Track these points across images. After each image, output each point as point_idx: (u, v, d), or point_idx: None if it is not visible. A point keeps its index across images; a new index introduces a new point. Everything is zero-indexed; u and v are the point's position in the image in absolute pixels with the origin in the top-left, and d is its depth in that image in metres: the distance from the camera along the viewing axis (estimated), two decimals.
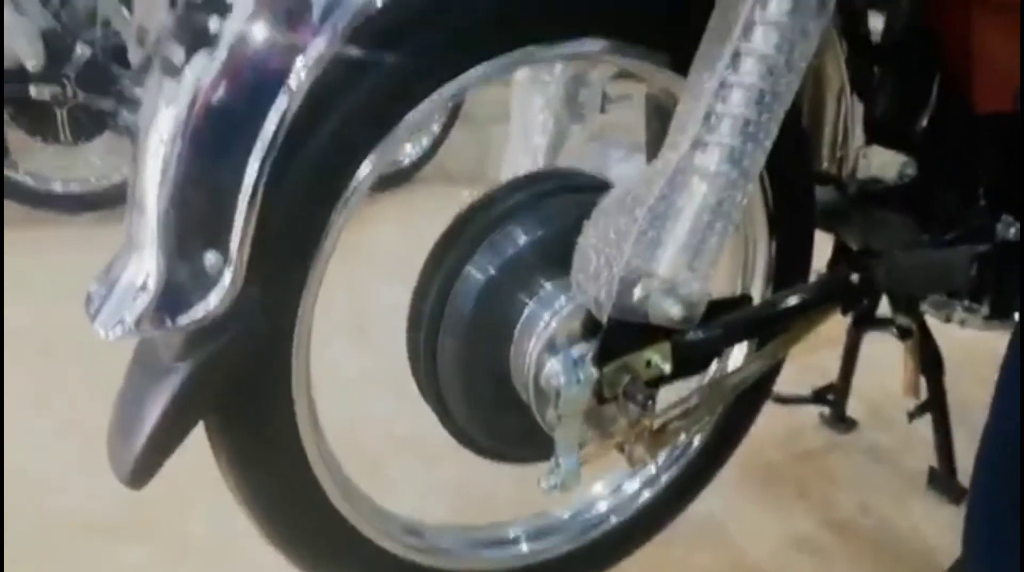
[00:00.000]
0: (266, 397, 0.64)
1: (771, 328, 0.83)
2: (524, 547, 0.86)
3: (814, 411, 1.29)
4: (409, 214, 2.23)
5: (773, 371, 0.95)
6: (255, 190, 0.54)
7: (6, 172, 2.17)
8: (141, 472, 0.58)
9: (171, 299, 0.54)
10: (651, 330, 0.70)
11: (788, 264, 0.90)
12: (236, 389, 0.61)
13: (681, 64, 0.69)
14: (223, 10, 0.53)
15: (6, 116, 2.13)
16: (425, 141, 2.44)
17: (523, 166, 0.87)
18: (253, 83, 0.54)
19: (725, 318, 0.76)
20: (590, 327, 0.71)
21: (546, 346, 0.71)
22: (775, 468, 1.21)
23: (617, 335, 0.70)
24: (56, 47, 2.07)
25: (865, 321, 1.10)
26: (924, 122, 0.91)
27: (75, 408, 1.28)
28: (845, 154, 0.88)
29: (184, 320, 0.54)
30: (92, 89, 2.11)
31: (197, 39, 0.52)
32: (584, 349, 0.70)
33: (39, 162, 2.24)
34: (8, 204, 2.21)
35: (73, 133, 2.17)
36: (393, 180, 2.36)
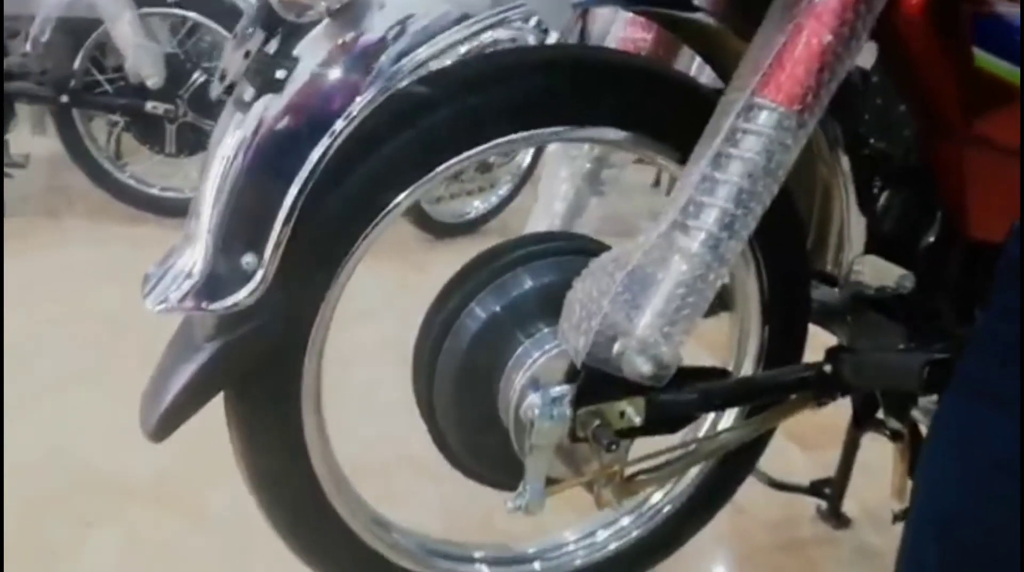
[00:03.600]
0: (277, 384, 0.74)
1: (745, 402, 0.89)
2: (483, 569, 0.93)
3: (812, 503, 1.32)
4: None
5: (754, 452, 1.01)
6: (292, 209, 0.66)
7: (115, 174, 2.42)
8: (163, 428, 0.69)
9: (210, 287, 0.66)
10: (628, 384, 0.78)
11: (779, 351, 0.96)
12: (253, 371, 0.72)
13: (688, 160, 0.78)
14: (289, 63, 0.65)
15: (121, 123, 2.37)
16: (494, 198, 2.59)
17: (542, 227, 0.97)
18: (308, 121, 0.66)
19: (700, 385, 0.83)
20: (573, 372, 0.80)
21: (530, 381, 0.79)
22: (761, 550, 1.25)
23: (595, 383, 0.78)
24: (176, 71, 2.31)
25: (863, 421, 1.14)
26: (926, 242, 0.97)
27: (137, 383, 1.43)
28: (843, 260, 0.95)
29: (217, 305, 0.65)
30: (201, 111, 2.34)
31: (265, 83, 0.65)
32: (564, 390, 0.79)
33: (145, 168, 2.48)
34: (112, 202, 2.45)
35: (178, 146, 2.40)
36: (458, 229, 2.50)
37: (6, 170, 2.36)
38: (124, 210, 2.44)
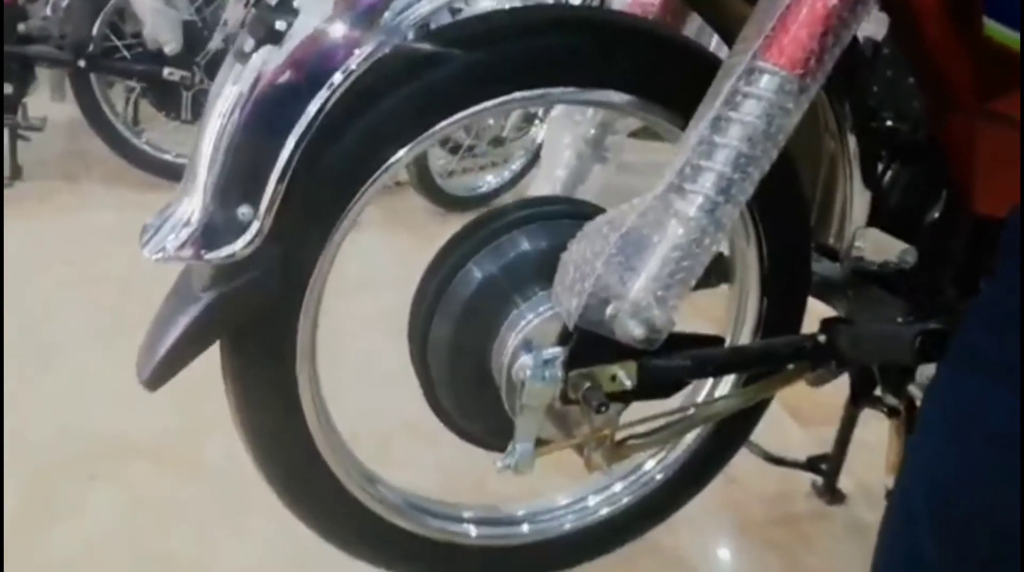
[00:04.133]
0: (272, 337, 0.75)
1: (738, 370, 0.89)
2: (471, 529, 0.94)
3: (808, 478, 1.32)
4: None
5: (748, 422, 1.01)
6: (289, 162, 0.66)
7: (131, 140, 2.44)
8: (157, 377, 0.70)
9: (206, 237, 0.66)
10: (620, 348, 0.78)
11: (777, 323, 0.96)
12: (248, 323, 0.72)
13: None
14: (290, 13, 0.65)
15: (138, 89, 2.39)
16: (507, 173, 2.59)
17: (543, 193, 0.97)
18: (307, 73, 0.66)
19: (693, 351, 0.83)
20: (566, 335, 0.80)
21: (523, 342, 0.80)
22: (755, 521, 1.25)
23: (588, 346, 0.78)
24: (193, 38, 2.32)
25: (860, 398, 1.14)
26: (931, 217, 0.96)
27: None
28: (845, 233, 0.95)
29: (213, 255, 0.66)
30: None
31: (266, 34, 0.65)
32: (556, 352, 0.79)
33: (161, 134, 2.49)
34: (130, 168, 2.47)
35: (194, 113, 2.42)
36: (470, 203, 2.50)
37: (23, 133, 2.38)
38: (141, 176, 2.46)
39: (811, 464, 1.28)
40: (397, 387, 1.36)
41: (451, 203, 2.45)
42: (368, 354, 1.55)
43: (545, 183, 0.97)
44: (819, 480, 1.31)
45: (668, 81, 0.83)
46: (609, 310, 0.75)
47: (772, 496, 1.31)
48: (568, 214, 0.84)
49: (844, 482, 1.30)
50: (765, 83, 0.70)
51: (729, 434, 1.00)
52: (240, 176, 0.66)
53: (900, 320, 0.89)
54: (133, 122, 2.52)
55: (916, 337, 0.80)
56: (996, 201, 0.91)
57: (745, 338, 0.96)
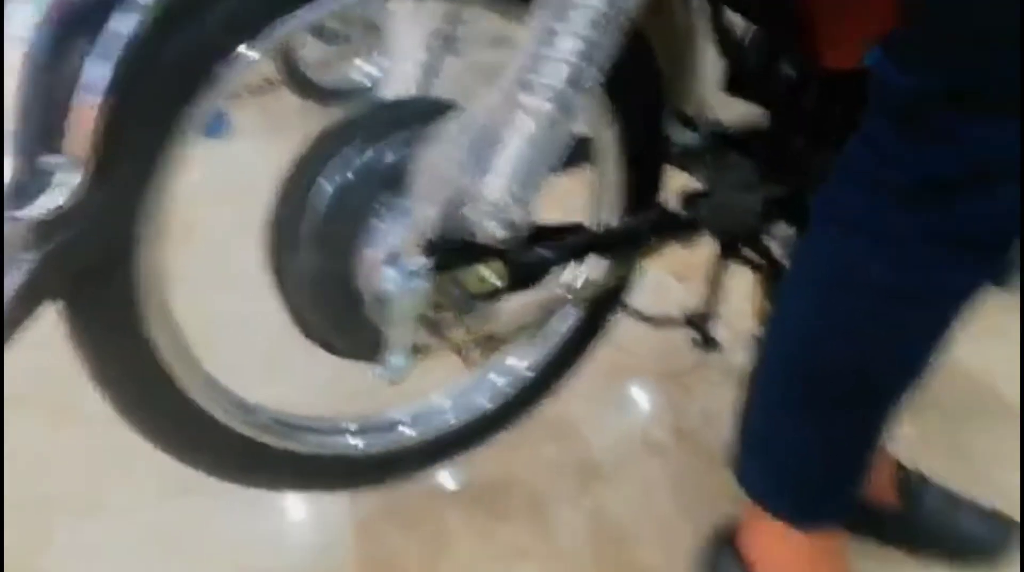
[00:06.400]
0: (110, 289, 0.70)
1: (603, 252, 0.90)
2: (353, 440, 0.95)
3: (688, 333, 1.38)
4: None
5: (615, 293, 1.04)
6: (102, 94, 0.59)
7: None
8: None
9: (18, 193, 0.60)
10: (484, 247, 0.77)
11: (637, 197, 0.97)
12: (80, 279, 0.67)
13: None
14: None
15: None
16: (386, 62, 2.42)
17: (395, 92, 0.92)
18: None
19: (556, 241, 0.84)
20: (428, 242, 0.78)
21: (387, 255, 0.78)
22: (639, 379, 1.32)
23: (450, 250, 0.77)
24: None
25: (726, 255, 1.18)
26: (783, 78, 0.97)
27: None
28: (700, 100, 0.95)
29: (25, 213, 0.60)
30: None
31: None
32: (421, 262, 0.78)
33: None
34: None
35: None
36: (347, 96, 2.32)
37: None
38: None
39: (688, 320, 1.34)
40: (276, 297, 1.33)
41: (327, 97, 2.27)
42: (244, 265, 1.49)
43: (398, 82, 0.92)
44: (697, 334, 1.37)
45: None
46: (468, 213, 0.73)
47: (656, 355, 1.37)
48: (422, 114, 0.80)
49: (719, 332, 1.37)
50: None
51: (595, 308, 1.02)
52: (45, 120, 0.60)
53: (749, 188, 0.91)
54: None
55: (763, 205, 0.83)
56: (841, 52, 0.92)
57: (607, 217, 0.97)
